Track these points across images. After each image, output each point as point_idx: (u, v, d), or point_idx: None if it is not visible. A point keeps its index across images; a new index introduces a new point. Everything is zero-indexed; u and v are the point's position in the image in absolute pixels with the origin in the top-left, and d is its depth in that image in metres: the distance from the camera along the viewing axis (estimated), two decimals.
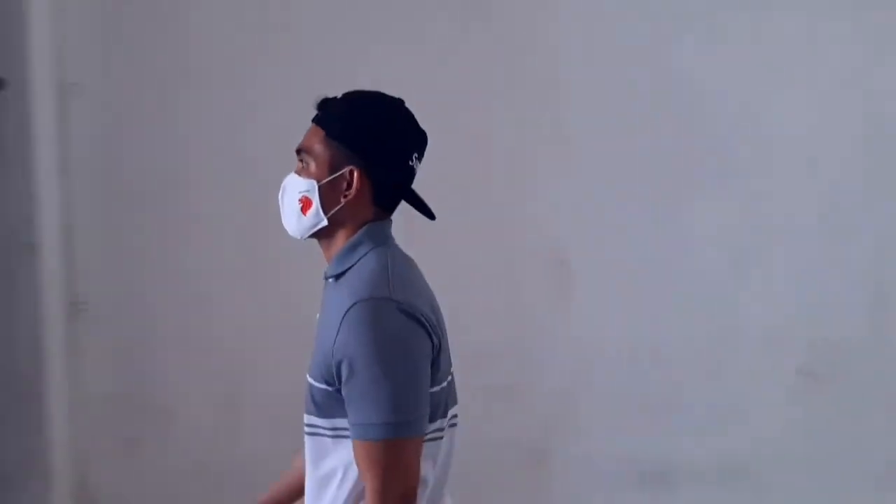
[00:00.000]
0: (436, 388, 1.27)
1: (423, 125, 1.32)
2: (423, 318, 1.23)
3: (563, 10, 2.74)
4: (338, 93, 1.34)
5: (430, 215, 1.36)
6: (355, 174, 1.29)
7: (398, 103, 1.38)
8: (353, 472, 1.24)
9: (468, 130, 2.71)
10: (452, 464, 1.39)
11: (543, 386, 2.81)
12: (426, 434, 1.25)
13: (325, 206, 1.31)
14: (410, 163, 1.32)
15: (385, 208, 1.35)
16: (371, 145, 1.31)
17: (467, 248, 2.76)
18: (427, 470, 1.27)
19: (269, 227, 2.72)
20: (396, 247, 1.36)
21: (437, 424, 1.29)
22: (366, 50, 2.72)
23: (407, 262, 1.35)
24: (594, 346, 2.79)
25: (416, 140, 1.35)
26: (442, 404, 1.30)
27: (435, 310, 1.30)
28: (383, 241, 1.33)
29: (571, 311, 2.80)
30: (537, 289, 2.82)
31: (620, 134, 2.74)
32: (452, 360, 1.35)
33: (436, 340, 1.25)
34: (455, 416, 1.37)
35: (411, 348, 1.22)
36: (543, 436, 2.81)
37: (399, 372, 1.20)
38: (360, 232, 1.32)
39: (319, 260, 1.35)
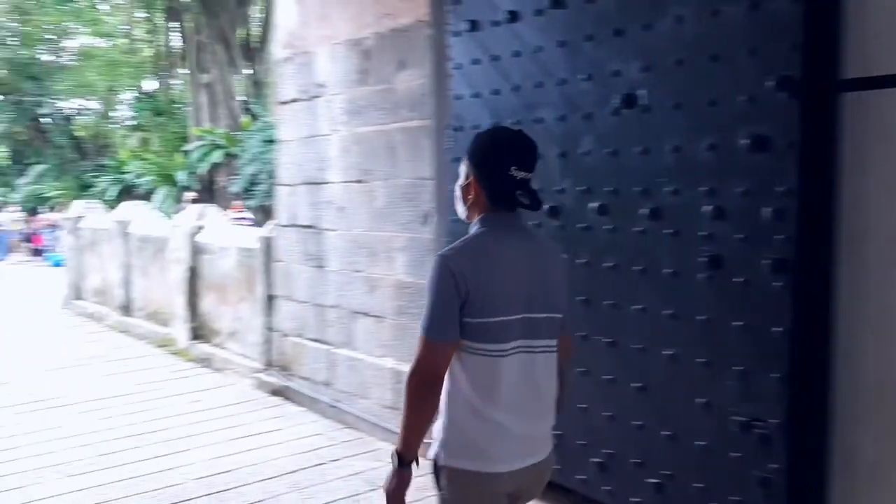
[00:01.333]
0: (486, 320, 1.87)
1: None
2: (455, 271, 1.85)
3: None
4: None
5: (533, 208, 1.93)
6: (472, 181, 1.99)
7: (508, 132, 2.03)
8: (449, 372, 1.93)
9: None
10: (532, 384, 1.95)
11: None
12: (468, 347, 1.88)
13: (464, 202, 2.04)
14: (510, 172, 1.91)
15: (498, 204, 1.97)
16: (478, 161, 1.98)
17: None
18: (475, 374, 1.89)
19: None
20: (500, 230, 1.95)
21: (491, 346, 1.88)
22: None
23: (492, 240, 1.93)
24: None
25: (514, 156, 1.93)
26: (501, 332, 1.88)
27: (481, 269, 1.87)
28: (488, 225, 1.96)
29: None
30: None
31: None
32: None
33: (463, 288, 1.85)
34: (538, 345, 1.95)
35: (441, 286, 1.86)
36: None
37: (433, 298, 1.88)
38: (477, 219, 2.00)
39: None
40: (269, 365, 6.25)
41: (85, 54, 28.51)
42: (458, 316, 1.86)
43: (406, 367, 2.02)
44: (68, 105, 30.29)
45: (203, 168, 19.73)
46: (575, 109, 3.51)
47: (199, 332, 7.52)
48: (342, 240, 5.26)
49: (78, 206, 11.30)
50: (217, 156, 19.47)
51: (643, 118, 3.25)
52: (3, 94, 28.96)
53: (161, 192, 20.13)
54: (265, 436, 5.09)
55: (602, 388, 3.45)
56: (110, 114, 31.17)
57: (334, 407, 5.35)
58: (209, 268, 7.36)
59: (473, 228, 2.00)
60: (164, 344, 7.92)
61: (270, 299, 6.21)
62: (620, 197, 3.35)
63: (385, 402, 4.84)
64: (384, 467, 4.58)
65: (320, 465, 4.51)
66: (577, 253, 3.53)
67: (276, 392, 6.04)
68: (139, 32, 29.32)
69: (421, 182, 4.53)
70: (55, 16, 27.12)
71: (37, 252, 21.67)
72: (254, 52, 22.25)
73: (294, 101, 5.72)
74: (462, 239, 1.96)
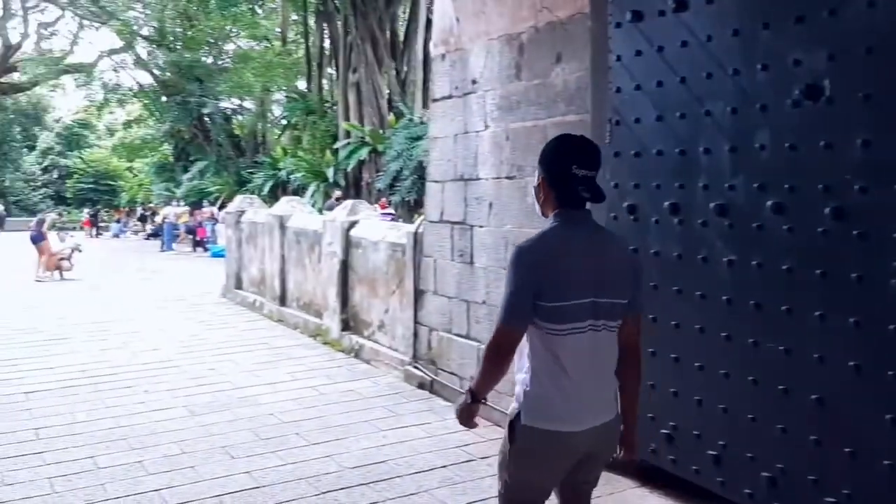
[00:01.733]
0: (558, 304, 2.16)
1: None
2: (529, 259, 2.18)
3: None
4: None
5: (594, 200, 2.22)
6: (541, 181, 2.30)
7: (570, 137, 2.35)
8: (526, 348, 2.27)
9: None
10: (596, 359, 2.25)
11: None
12: (548, 328, 2.19)
13: (538, 201, 2.34)
14: (572, 171, 2.20)
15: (564, 201, 2.24)
16: (545, 165, 2.29)
17: None
18: (555, 349, 2.20)
19: None
20: (571, 225, 2.23)
21: (565, 326, 2.18)
22: None
23: (563, 234, 2.22)
24: None
25: (574, 156, 2.22)
26: (571, 314, 2.17)
27: (552, 260, 2.18)
28: (559, 221, 2.24)
29: None
30: None
31: None
32: None
33: (535, 277, 2.16)
34: (601, 323, 2.23)
35: (516, 278, 2.18)
36: None
37: (509, 288, 2.19)
38: (550, 216, 2.29)
39: None
40: (417, 358, 6.34)
41: (242, 56, 30.14)
42: (531, 303, 2.16)
43: None
44: (227, 105, 32.19)
45: (350, 165, 20.40)
46: (749, 101, 3.31)
47: (350, 324, 7.74)
48: (491, 236, 5.25)
49: (238, 201, 11.95)
50: (363, 153, 20.09)
51: (827, 111, 3.02)
52: (168, 96, 31.13)
53: (312, 188, 21.00)
54: (415, 429, 5.17)
55: (774, 398, 3.24)
56: (265, 113, 32.84)
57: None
58: (361, 261, 7.57)
59: (546, 224, 2.29)
60: (317, 334, 8.23)
61: (419, 294, 6.30)
62: (799, 195, 3.13)
63: None
64: None
65: (470, 461, 4.52)
66: (748, 254, 3.34)
67: (423, 385, 6.12)
68: (292, 35, 30.68)
69: None
70: (217, 21, 28.83)
71: (199, 244, 23.15)
72: (400, 50, 22.76)
73: (447, 97, 5.76)
74: (538, 233, 2.27)
